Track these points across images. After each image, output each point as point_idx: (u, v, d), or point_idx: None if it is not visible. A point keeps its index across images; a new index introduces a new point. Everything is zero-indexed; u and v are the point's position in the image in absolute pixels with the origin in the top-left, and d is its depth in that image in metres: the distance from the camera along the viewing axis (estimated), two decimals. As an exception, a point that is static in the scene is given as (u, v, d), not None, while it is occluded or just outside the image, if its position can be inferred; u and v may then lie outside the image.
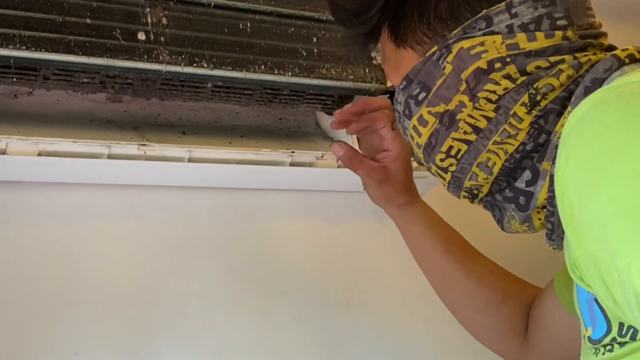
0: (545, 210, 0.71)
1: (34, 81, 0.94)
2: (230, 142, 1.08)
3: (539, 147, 0.69)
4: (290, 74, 1.01)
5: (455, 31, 0.70)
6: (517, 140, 0.69)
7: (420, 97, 0.73)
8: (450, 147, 0.72)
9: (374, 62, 1.07)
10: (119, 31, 0.91)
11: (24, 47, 0.86)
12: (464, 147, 0.71)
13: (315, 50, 1.04)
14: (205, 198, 1.12)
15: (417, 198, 0.98)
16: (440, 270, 0.95)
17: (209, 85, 1.02)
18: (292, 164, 1.08)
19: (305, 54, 1.03)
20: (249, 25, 1.01)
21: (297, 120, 1.20)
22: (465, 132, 0.71)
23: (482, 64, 0.69)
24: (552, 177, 0.67)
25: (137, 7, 0.94)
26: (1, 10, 0.86)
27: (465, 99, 0.70)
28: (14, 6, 0.87)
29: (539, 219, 0.72)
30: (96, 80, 0.96)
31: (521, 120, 0.69)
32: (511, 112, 0.69)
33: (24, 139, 0.91)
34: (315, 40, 1.05)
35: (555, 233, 0.70)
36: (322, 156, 1.09)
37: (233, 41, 0.99)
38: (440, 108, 0.71)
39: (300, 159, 1.08)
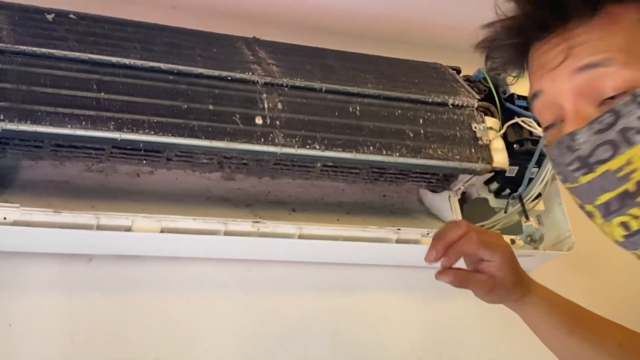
0: None
1: (157, 162, 1.01)
2: (338, 219, 1.12)
3: None
4: (397, 154, 1.04)
5: None
6: None
7: None
8: None
9: (480, 142, 1.09)
10: (238, 116, 0.97)
11: (153, 132, 0.92)
12: None
13: (422, 131, 1.07)
14: (313, 273, 1.15)
15: (531, 287, 0.93)
16: (568, 351, 0.92)
17: (319, 165, 1.06)
18: (398, 241, 1.10)
19: (412, 135, 1.06)
20: (358, 108, 1.06)
21: (401, 197, 1.23)
22: None
23: None
24: None
25: (254, 93, 1.00)
26: (133, 97, 0.93)
27: None
28: (143, 94, 0.94)
29: None
30: (214, 161, 1.02)
31: None
32: None
33: (148, 216, 0.97)
34: (421, 121, 1.08)
35: None
36: (427, 233, 1.10)
37: (343, 124, 1.03)
38: None
39: (406, 236, 1.10)
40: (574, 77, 0.64)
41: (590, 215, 0.67)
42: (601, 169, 0.63)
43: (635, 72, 0.61)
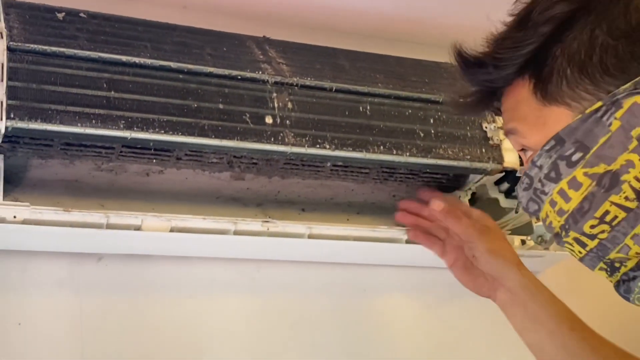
0: None
1: (167, 161, 1.00)
2: (348, 219, 1.11)
3: None
4: (408, 154, 1.04)
5: (625, 86, 0.65)
6: None
7: (575, 157, 0.68)
8: (606, 213, 0.68)
9: (491, 142, 1.08)
10: (248, 115, 0.97)
11: (163, 131, 0.92)
12: (622, 215, 0.67)
13: (432, 131, 1.07)
14: (322, 273, 1.15)
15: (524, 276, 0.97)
16: (567, 349, 0.92)
17: (329, 164, 1.05)
18: (408, 242, 1.09)
19: (422, 134, 1.06)
20: (368, 107, 1.05)
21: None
22: (626, 198, 0.66)
23: None
24: None
25: (264, 92, 1.00)
26: (143, 96, 0.93)
27: (635, 158, 0.66)
28: (153, 93, 0.94)
29: None
30: (224, 161, 1.02)
31: None
32: None
33: (157, 215, 0.97)
34: (432, 121, 1.08)
35: None
36: (437, 234, 1.10)
37: (353, 123, 1.03)
38: (600, 169, 0.67)
39: (416, 236, 1.10)
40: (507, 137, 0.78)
41: None
42: (556, 189, 0.72)
43: (532, 139, 0.72)
